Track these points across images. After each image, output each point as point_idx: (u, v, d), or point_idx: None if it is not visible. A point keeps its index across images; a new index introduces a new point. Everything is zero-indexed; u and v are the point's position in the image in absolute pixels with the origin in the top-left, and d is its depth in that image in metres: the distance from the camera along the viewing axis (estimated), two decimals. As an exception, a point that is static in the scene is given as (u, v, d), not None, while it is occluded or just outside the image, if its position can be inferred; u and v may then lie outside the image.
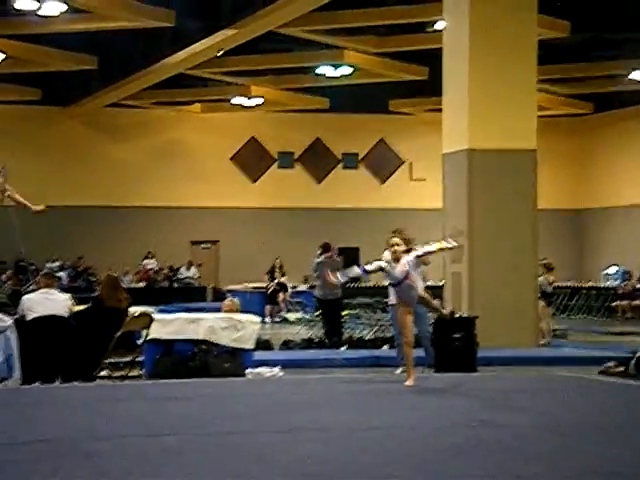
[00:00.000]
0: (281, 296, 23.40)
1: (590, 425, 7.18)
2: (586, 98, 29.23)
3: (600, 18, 22.05)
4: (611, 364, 11.91)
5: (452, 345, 11.80)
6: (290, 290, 23.88)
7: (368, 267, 9.43)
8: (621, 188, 30.28)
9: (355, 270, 9.60)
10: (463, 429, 6.88)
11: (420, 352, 11.92)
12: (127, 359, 10.97)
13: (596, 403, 8.77)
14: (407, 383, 9.38)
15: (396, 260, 9.36)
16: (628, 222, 29.99)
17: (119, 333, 10.60)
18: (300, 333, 17.60)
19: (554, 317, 19.95)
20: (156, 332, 10.87)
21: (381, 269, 9.41)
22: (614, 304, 25.46)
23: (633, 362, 11.56)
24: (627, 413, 8.05)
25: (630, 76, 25.72)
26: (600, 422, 7.37)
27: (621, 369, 11.63)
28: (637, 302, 25.61)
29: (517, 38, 15.74)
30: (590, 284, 27.14)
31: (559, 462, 5.67)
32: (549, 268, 17.24)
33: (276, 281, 23.60)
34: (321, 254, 16.54)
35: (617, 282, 27.15)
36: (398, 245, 9.40)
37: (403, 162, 32.07)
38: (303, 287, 27.21)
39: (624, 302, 25.78)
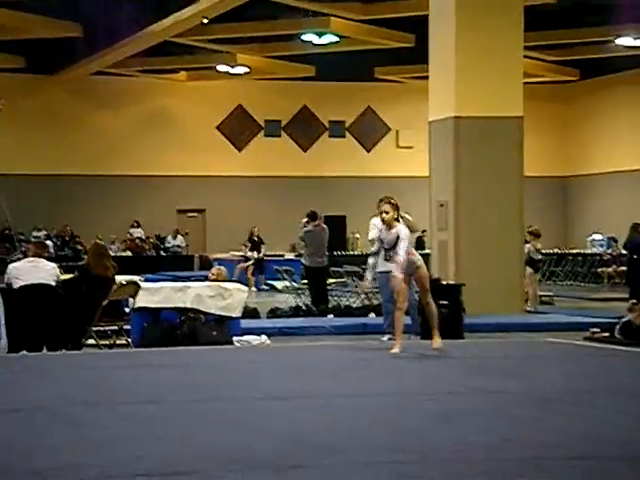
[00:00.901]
0: (252, 277, 23.23)
1: (576, 390, 7.24)
2: (572, 64, 29.19)
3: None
4: (596, 330, 11.99)
5: (439, 312, 11.82)
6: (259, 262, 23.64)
7: (374, 249, 9.79)
8: (607, 155, 30.33)
9: (371, 261, 9.90)
10: (450, 395, 6.93)
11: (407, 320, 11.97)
12: (114, 327, 10.99)
13: (582, 368, 8.84)
14: (393, 350, 9.44)
15: (388, 227, 9.46)
16: (613, 189, 30.08)
17: (106, 301, 10.61)
18: (287, 301, 17.64)
19: (540, 283, 20.05)
20: (143, 301, 10.88)
21: (379, 240, 9.68)
22: (600, 270, 25.60)
23: (618, 327, 11.64)
24: (612, 378, 8.12)
25: (616, 42, 25.68)
26: (586, 387, 7.44)
27: (606, 335, 11.72)
28: (622, 268, 25.73)
29: (503, 4, 15.68)
30: (576, 251, 27.27)
31: (546, 427, 5.72)
32: (536, 235, 17.27)
33: (252, 258, 23.52)
34: (308, 222, 16.53)
35: (602, 248, 27.28)
36: (387, 213, 9.48)
37: (390, 130, 32.01)
38: (290, 255, 27.26)
39: (609, 268, 25.92)
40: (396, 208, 9.60)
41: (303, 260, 16.79)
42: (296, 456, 4.94)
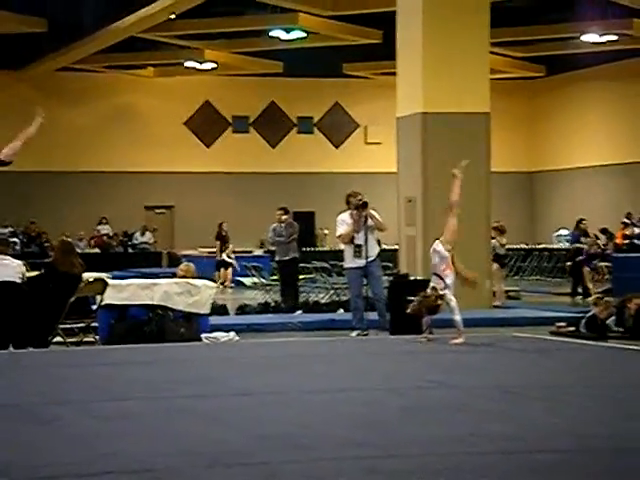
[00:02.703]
0: (227, 274, 23.25)
1: (542, 384, 7.31)
2: (538, 61, 29.39)
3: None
4: (562, 324, 12.11)
5: (407, 307, 11.88)
6: (233, 266, 23.58)
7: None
8: (572, 150, 30.57)
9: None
10: (417, 390, 6.97)
11: (373, 315, 12.04)
12: (81, 325, 10.94)
13: (547, 363, 8.92)
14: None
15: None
16: (579, 184, 30.33)
17: (73, 299, 10.56)
18: (256, 298, 17.64)
19: (507, 279, 20.19)
20: (110, 298, 10.84)
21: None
22: (566, 265, 25.79)
23: (583, 322, 11.76)
24: (577, 372, 8.21)
25: (581, 38, 25.89)
26: (552, 381, 7.51)
27: (572, 329, 11.83)
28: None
29: (470, 1, 15.77)
30: (542, 246, 27.48)
31: (512, 420, 5.78)
32: (501, 231, 17.43)
33: (224, 255, 23.52)
34: (285, 214, 16.33)
35: (568, 244, 27.49)
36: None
37: (358, 126, 32.06)
38: (259, 252, 27.24)
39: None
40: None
41: (276, 256, 16.62)
42: (264, 452, 4.95)
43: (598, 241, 18.45)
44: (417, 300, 9.66)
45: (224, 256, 23.51)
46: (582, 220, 19.03)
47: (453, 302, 9.62)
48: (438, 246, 9.72)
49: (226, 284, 22.57)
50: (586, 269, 18.13)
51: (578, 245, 18.50)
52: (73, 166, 29.74)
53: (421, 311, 9.65)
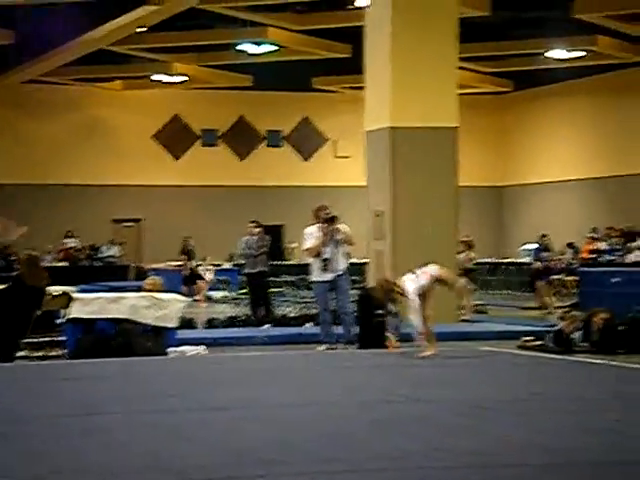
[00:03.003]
0: (201, 288, 23.17)
1: (508, 398, 7.33)
2: (506, 76, 29.63)
3: (520, -3, 22.37)
4: (529, 338, 12.17)
5: (375, 321, 11.92)
6: (209, 277, 23.50)
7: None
8: (540, 165, 30.82)
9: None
10: (384, 404, 6.97)
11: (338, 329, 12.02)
12: (47, 339, 10.83)
13: (514, 377, 8.96)
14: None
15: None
16: (547, 199, 30.56)
17: (39, 313, 10.47)
18: (225, 311, 17.58)
19: (475, 293, 20.28)
20: (77, 311, 10.76)
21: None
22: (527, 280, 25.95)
23: (550, 336, 11.83)
24: (544, 386, 8.25)
25: (548, 54, 26.15)
26: (518, 395, 7.54)
27: (539, 343, 11.90)
28: (556, 277, 26.13)
29: (438, 16, 15.87)
30: (509, 260, 27.63)
31: (479, 435, 5.79)
32: (470, 245, 17.54)
33: (200, 269, 23.50)
34: (257, 227, 16.29)
35: (529, 258, 27.64)
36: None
37: (327, 140, 32.13)
38: (227, 265, 27.17)
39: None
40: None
41: (245, 269, 16.54)
42: (230, 467, 4.92)
43: (560, 257, 18.81)
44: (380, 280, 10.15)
45: (200, 270, 23.41)
46: (544, 235, 19.34)
47: (413, 304, 9.69)
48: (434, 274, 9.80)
49: (199, 298, 22.23)
50: (540, 283, 18.40)
51: (536, 261, 18.81)
52: (40, 179, 29.54)
53: (382, 291, 9.81)
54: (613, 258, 24.73)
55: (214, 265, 24.35)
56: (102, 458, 5.13)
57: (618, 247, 25.24)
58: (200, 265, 23.67)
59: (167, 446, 5.45)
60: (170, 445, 5.48)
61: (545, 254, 18.56)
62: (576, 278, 23.47)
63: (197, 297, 22.42)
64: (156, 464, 4.96)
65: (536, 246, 19.81)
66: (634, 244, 24.46)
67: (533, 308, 19.01)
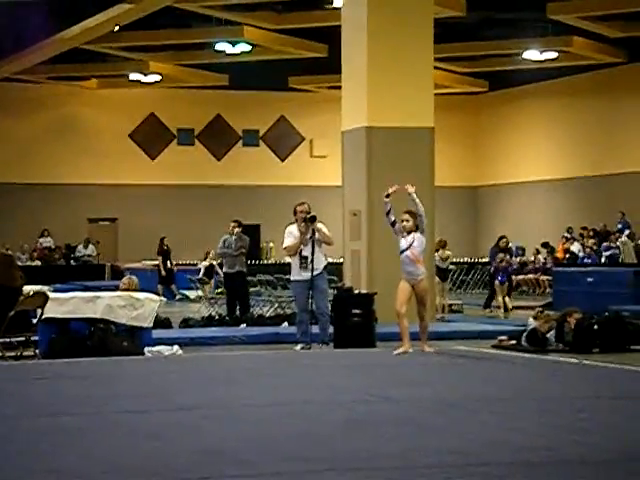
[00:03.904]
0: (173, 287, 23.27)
1: (483, 397, 7.36)
2: (481, 76, 29.74)
3: (495, -2, 22.47)
4: (504, 337, 12.23)
5: (351, 321, 11.93)
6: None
7: (391, 215, 10.37)
8: (515, 165, 30.96)
9: (388, 204, 10.39)
10: (360, 404, 6.98)
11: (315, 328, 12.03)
12: (21, 339, 10.77)
13: (489, 376, 9.00)
14: (398, 351, 9.97)
15: (408, 233, 10.27)
16: (522, 199, 30.71)
17: (12, 312, 10.40)
18: (200, 311, 17.54)
19: (450, 292, 20.37)
20: (52, 311, 10.70)
21: (392, 225, 10.38)
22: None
23: (524, 335, 11.89)
24: (518, 385, 8.29)
25: (523, 55, 26.27)
26: (493, 394, 7.57)
27: (513, 342, 11.95)
28: (530, 276, 26.31)
29: (414, 16, 15.90)
30: (485, 259, 27.73)
31: (453, 434, 5.81)
32: (441, 245, 17.67)
33: (202, 264, 23.55)
34: (238, 227, 16.22)
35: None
36: (407, 221, 10.29)
37: (303, 139, 32.13)
38: (204, 264, 27.11)
39: (519, 277, 26.45)
40: (415, 217, 10.33)
41: (238, 267, 16.46)
42: (205, 467, 4.92)
43: (507, 258, 19.33)
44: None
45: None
46: (502, 237, 19.72)
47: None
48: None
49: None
50: (496, 282, 18.72)
51: (495, 261, 19.17)
52: (15, 178, 29.35)
53: None
54: (586, 257, 24.91)
55: (180, 265, 24.29)
56: (72, 459, 5.10)
57: (590, 248, 25.41)
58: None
59: (139, 446, 5.43)
60: (142, 445, 5.46)
61: (501, 255, 18.91)
62: (550, 277, 23.69)
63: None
64: (127, 465, 4.94)
65: (491, 247, 20.22)
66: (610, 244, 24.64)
67: (491, 307, 19.28)
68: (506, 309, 18.50)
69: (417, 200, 10.32)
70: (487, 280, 19.29)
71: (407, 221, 10.32)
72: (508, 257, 19.28)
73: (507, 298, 18.76)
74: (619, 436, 5.72)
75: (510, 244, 20.60)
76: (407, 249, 10.27)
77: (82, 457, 5.16)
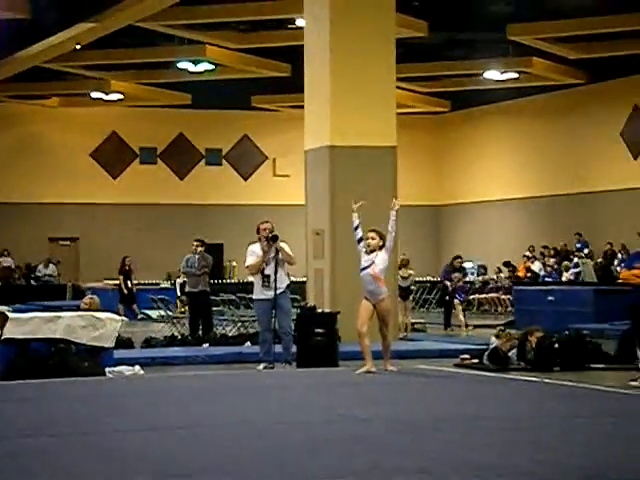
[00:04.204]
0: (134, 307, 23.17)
1: (445, 416, 7.38)
2: (443, 96, 29.97)
3: (456, 18, 22.65)
4: (466, 356, 12.26)
5: (314, 340, 11.92)
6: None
7: (358, 231, 10.38)
8: (477, 184, 31.19)
9: (355, 221, 10.44)
10: (321, 424, 6.96)
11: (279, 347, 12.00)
12: (-20, 360, 10.62)
13: (451, 395, 9.03)
14: (361, 370, 10.04)
15: (372, 251, 10.21)
16: (483, 217, 30.93)
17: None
18: (163, 331, 17.42)
19: (413, 311, 20.43)
20: (11, 332, 10.57)
21: (358, 242, 10.33)
22: (471, 297, 26.24)
23: (486, 354, 11.94)
24: (480, 404, 8.32)
25: (484, 75, 26.52)
26: (455, 413, 7.59)
27: (475, 361, 11.99)
28: (492, 295, 26.48)
29: (377, 37, 16.01)
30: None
31: (413, 454, 5.82)
32: (404, 264, 17.79)
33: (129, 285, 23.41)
34: (201, 246, 16.19)
35: (473, 276, 28.00)
36: (373, 239, 10.23)
37: (266, 158, 32.14)
38: (166, 284, 26.97)
39: (480, 295, 26.62)
40: (381, 236, 10.29)
41: (187, 288, 16.41)
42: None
43: (464, 277, 19.79)
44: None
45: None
46: (458, 257, 20.08)
47: None
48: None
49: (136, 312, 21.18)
50: (456, 301, 19.05)
51: (446, 280, 19.49)
52: (-26, 197, 29.06)
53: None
54: (547, 276, 25.13)
55: (141, 285, 24.20)
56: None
57: (551, 267, 25.64)
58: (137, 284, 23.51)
59: (98, 468, 5.37)
60: (101, 467, 5.40)
61: (456, 274, 19.26)
62: (510, 297, 23.88)
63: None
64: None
65: (445, 266, 20.55)
66: (571, 262, 24.87)
67: (447, 326, 19.49)
68: (466, 325, 18.94)
69: (394, 218, 10.23)
70: (445, 300, 19.51)
71: (372, 239, 10.26)
72: (461, 276, 19.65)
73: (461, 315, 19.21)
74: (579, 454, 5.76)
75: (464, 264, 21.07)
76: (368, 267, 10.23)
77: (43, 478, 5.09)
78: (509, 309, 24.17)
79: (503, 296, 25.81)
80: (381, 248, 10.28)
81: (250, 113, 30.83)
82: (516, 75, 26.48)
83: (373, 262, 10.21)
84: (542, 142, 28.83)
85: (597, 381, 10.13)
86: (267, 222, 11.93)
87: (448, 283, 19.39)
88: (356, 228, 10.41)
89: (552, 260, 26.15)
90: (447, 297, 19.45)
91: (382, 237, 10.31)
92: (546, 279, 25.02)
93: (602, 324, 16.44)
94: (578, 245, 26.69)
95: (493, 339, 12.18)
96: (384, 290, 10.38)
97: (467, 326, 19.04)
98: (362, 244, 10.33)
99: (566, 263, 24.95)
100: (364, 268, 10.25)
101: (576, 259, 24.73)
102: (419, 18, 21.82)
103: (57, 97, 29.83)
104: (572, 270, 24.38)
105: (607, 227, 26.49)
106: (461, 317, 19.09)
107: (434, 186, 32.57)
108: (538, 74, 26.14)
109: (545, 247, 27.49)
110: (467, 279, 25.19)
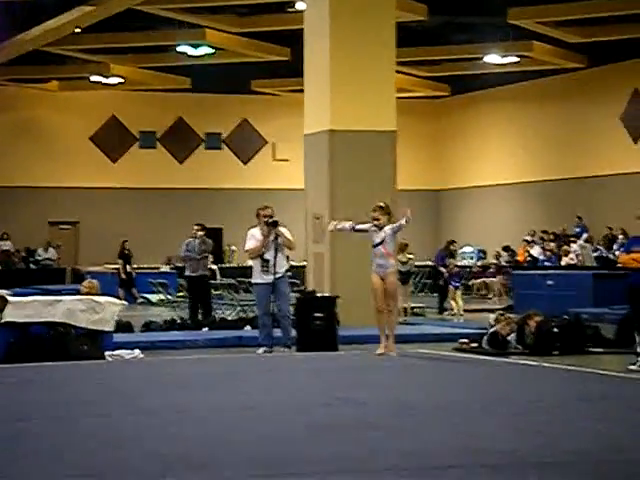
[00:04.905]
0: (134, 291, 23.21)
1: (444, 400, 7.40)
2: (443, 80, 29.89)
3: (456, 2, 22.57)
4: (465, 340, 12.29)
5: (313, 324, 11.94)
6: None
7: (358, 226, 10.51)
8: (477, 169, 31.15)
9: (346, 225, 10.62)
10: (321, 407, 6.98)
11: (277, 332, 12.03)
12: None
13: (450, 379, 9.05)
14: (378, 351, 9.99)
15: (379, 229, 10.34)
16: (483, 202, 30.91)
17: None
18: (162, 315, 17.46)
19: (412, 295, 20.45)
20: (11, 315, 10.58)
21: (366, 231, 10.45)
22: (470, 282, 26.26)
23: (486, 338, 11.97)
24: (479, 387, 8.35)
25: (484, 59, 26.45)
26: (454, 397, 7.61)
27: (475, 345, 12.02)
28: (490, 279, 26.49)
29: (376, 20, 15.95)
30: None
31: (414, 436, 5.83)
32: (401, 248, 17.79)
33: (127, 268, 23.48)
34: (200, 231, 16.17)
35: (472, 260, 28.02)
36: (378, 219, 10.34)
37: (266, 142, 32.09)
38: (165, 268, 26.99)
39: (479, 280, 26.63)
40: (387, 212, 10.46)
41: (187, 272, 16.41)
42: (163, 471, 4.89)
43: (457, 262, 19.92)
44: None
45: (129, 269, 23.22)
46: (453, 242, 20.09)
47: None
48: None
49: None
50: (451, 287, 19.09)
51: (440, 266, 19.52)
52: (-26, 180, 29.04)
53: None
54: (547, 261, 25.13)
55: (141, 269, 24.24)
56: (29, 465, 5.05)
57: (551, 251, 25.63)
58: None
59: (97, 452, 5.39)
60: (100, 451, 5.42)
61: (451, 260, 19.33)
62: (508, 281, 23.88)
63: None
64: (89, 470, 4.90)
65: (440, 251, 20.57)
66: (571, 247, 24.85)
67: (441, 310, 19.53)
68: (455, 312, 18.96)
69: (401, 224, 10.40)
70: (441, 284, 19.52)
71: (378, 219, 10.42)
72: (455, 261, 19.80)
73: (460, 300, 19.20)
74: (580, 437, 5.78)
75: (463, 248, 21.20)
76: (380, 244, 10.39)
77: (38, 463, 5.11)
78: (509, 293, 24.16)
79: (501, 279, 25.79)
80: (389, 222, 10.41)
81: (250, 97, 30.77)
82: (516, 59, 26.41)
83: (384, 240, 10.36)
84: (542, 126, 28.79)
85: (596, 365, 10.15)
86: (268, 208, 11.92)
87: (443, 269, 19.40)
88: (353, 229, 10.55)
89: (552, 244, 26.14)
90: (442, 282, 19.45)
91: (387, 212, 10.48)
92: (545, 263, 25.03)
93: (601, 308, 16.47)
94: (577, 229, 26.67)
95: (492, 323, 12.21)
96: (392, 263, 10.61)
97: (462, 312, 18.97)
98: (369, 226, 10.42)
99: (565, 247, 24.95)
100: (376, 244, 10.42)
101: (575, 245, 24.70)
102: (419, 2, 21.75)
103: (57, 81, 29.75)
104: (570, 255, 24.33)
105: (607, 211, 26.48)
106: (454, 303, 19.09)
107: (434, 170, 32.54)
108: (538, 58, 26.07)
109: (545, 232, 27.48)
110: (462, 263, 25.30)
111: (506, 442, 5.64)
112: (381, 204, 10.58)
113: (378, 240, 10.40)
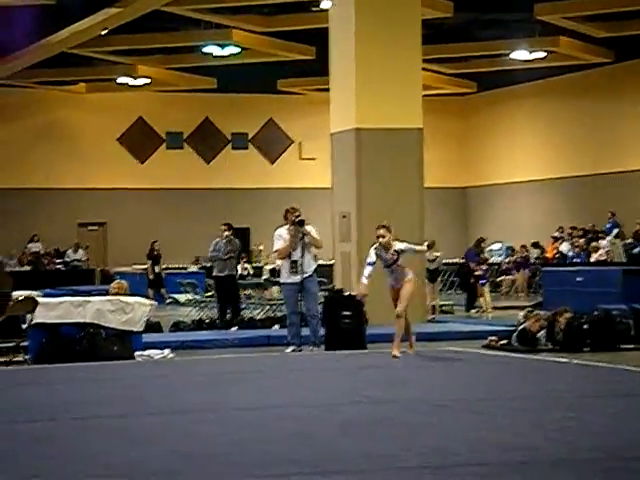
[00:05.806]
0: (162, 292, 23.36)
1: (473, 397, 7.38)
2: (469, 77, 29.76)
3: (482, -1, 22.48)
4: (494, 338, 12.24)
5: (342, 323, 11.94)
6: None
7: (370, 260, 10.31)
8: (504, 165, 31.01)
9: (369, 269, 10.35)
10: (350, 406, 6.98)
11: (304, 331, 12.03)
12: (11, 344, 10.74)
13: (480, 376, 9.01)
14: (394, 353, 9.94)
15: (386, 249, 10.23)
16: (511, 199, 30.76)
17: (2, 318, 10.37)
18: (191, 314, 17.52)
19: (441, 293, 20.39)
20: (41, 316, 10.67)
21: (380, 257, 10.32)
22: (499, 279, 26.14)
23: (515, 335, 11.91)
24: (508, 385, 8.31)
25: (511, 56, 26.32)
26: (482, 394, 7.59)
27: (504, 342, 11.97)
28: (512, 276, 26.32)
29: (402, 18, 15.92)
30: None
31: (442, 434, 5.82)
32: (428, 246, 17.68)
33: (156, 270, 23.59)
34: (228, 230, 16.19)
35: (501, 258, 27.88)
36: (383, 237, 10.27)
37: (292, 142, 32.11)
38: (193, 268, 27.09)
39: (508, 277, 26.49)
40: (390, 231, 10.39)
41: (215, 272, 16.41)
42: (193, 471, 4.91)
43: (486, 259, 19.75)
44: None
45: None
46: (483, 239, 19.92)
47: None
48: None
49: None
50: (479, 284, 18.95)
51: (471, 263, 19.34)
52: (3, 183, 29.25)
53: None
54: (576, 257, 24.96)
55: (169, 269, 24.37)
56: (59, 465, 5.09)
57: (580, 247, 25.44)
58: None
59: (124, 451, 5.42)
60: (128, 450, 5.45)
61: (478, 258, 19.16)
62: (535, 277, 23.73)
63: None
64: (117, 469, 4.93)
65: (469, 248, 20.38)
66: (601, 243, 24.66)
67: (469, 308, 19.41)
68: (484, 309, 18.82)
69: (417, 249, 10.61)
70: (469, 282, 19.35)
71: (383, 237, 10.29)
72: (482, 260, 19.63)
73: (488, 297, 19.07)
74: (605, 435, 5.74)
75: (492, 246, 20.97)
76: (393, 264, 10.28)
77: (67, 461, 5.15)
78: (539, 290, 24.00)
79: (524, 275, 25.57)
80: (394, 241, 10.30)
81: (276, 97, 30.80)
82: (543, 55, 26.24)
83: (395, 260, 10.26)
84: (569, 122, 28.60)
85: (627, 362, 10.07)
86: (296, 210, 11.88)
87: (473, 265, 19.25)
88: (371, 264, 10.37)
89: (581, 241, 25.96)
90: (471, 280, 19.31)
91: (390, 231, 10.36)
92: (574, 260, 24.86)
93: (631, 304, 16.30)
94: (608, 225, 26.47)
95: (522, 320, 12.15)
96: (407, 272, 10.45)
97: (490, 309, 18.84)
98: (374, 252, 10.32)
99: (595, 244, 24.76)
100: (389, 265, 10.32)
101: (604, 242, 24.50)
102: (444, -1, 21.65)
103: (84, 83, 29.93)
104: (600, 252, 24.13)
105: (637, 207, 26.26)
106: (482, 300, 18.94)
107: (461, 167, 32.43)
108: (566, 53, 25.89)
109: (573, 228, 27.30)
110: (490, 261, 25.17)
111: (530, 438, 5.62)
112: (384, 223, 10.46)
113: (390, 261, 10.27)
